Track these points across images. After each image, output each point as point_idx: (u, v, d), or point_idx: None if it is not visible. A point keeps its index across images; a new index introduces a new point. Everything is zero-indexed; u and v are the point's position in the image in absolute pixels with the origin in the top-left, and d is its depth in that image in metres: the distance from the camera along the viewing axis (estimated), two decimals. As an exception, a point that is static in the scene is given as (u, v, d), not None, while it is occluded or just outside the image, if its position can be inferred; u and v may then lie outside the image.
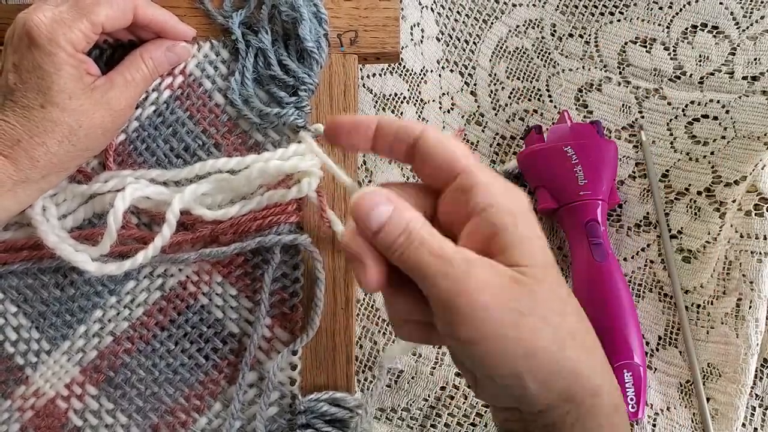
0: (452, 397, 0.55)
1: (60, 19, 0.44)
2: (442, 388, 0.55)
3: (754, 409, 0.53)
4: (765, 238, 0.52)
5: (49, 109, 0.44)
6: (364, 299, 0.57)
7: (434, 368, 0.55)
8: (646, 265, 0.56)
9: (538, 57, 0.61)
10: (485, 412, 0.55)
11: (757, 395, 0.53)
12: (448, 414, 0.55)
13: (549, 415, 0.33)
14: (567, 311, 0.33)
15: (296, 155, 0.49)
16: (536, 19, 0.61)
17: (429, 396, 0.55)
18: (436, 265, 0.32)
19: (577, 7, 0.60)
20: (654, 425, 0.53)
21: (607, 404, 0.34)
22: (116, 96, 0.47)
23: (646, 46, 0.59)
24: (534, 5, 0.61)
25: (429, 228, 0.33)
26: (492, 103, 0.61)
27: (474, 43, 0.61)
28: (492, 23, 0.61)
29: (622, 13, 0.60)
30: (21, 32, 0.44)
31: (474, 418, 0.55)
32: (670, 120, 0.58)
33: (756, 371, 0.52)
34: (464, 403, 0.55)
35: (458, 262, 0.32)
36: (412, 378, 0.55)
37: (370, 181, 0.58)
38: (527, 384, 0.32)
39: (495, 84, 0.61)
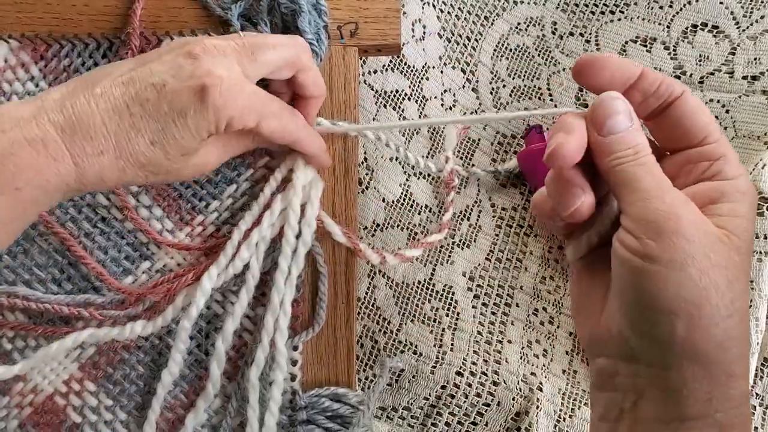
0: (453, 396, 0.54)
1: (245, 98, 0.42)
2: (443, 387, 0.55)
3: (754, 408, 0.52)
4: (765, 238, 0.52)
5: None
6: (365, 298, 0.57)
7: (435, 367, 0.55)
8: (646, 264, 0.56)
9: (539, 55, 0.61)
10: (486, 411, 0.54)
11: (757, 394, 0.52)
12: (448, 413, 0.55)
13: (676, 377, 0.32)
14: (740, 293, 0.33)
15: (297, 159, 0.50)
16: (537, 17, 0.61)
17: (430, 395, 0.55)
18: (655, 188, 0.33)
19: (577, 5, 0.60)
20: (654, 424, 0.53)
21: (740, 393, 0.33)
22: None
23: (646, 46, 0.59)
24: (535, 3, 0.61)
25: (654, 158, 0.35)
26: (493, 100, 0.61)
27: (476, 40, 0.61)
28: (493, 20, 0.61)
29: (622, 12, 0.60)
30: (196, 82, 0.40)
31: (475, 417, 0.54)
32: (671, 119, 0.58)
33: (756, 370, 0.52)
34: (465, 401, 0.54)
35: (677, 195, 0.33)
36: (413, 377, 0.55)
37: (371, 180, 0.58)
38: (677, 330, 0.32)
39: (496, 82, 0.61)
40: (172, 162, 0.41)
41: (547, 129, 0.58)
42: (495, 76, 0.61)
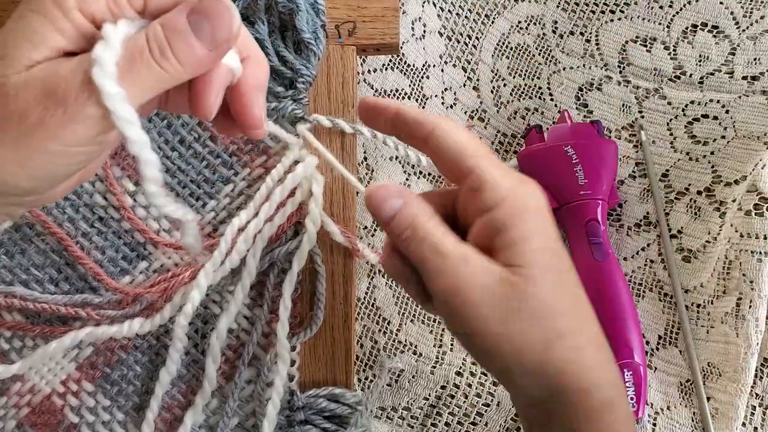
0: (453, 396, 0.54)
1: None
2: (443, 387, 0.55)
3: (754, 408, 0.52)
4: (765, 238, 0.52)
5: None
6: (364, 298, 0.56)
7: (435, 367, 0.55)
8: (646, 265, 0.56)
9: (539, 54, 0.61)
10: (485, 411, 0.54)
11: (757, 394, 0.52)
12: (448, 413, 0.54)
13: (541, 407, 0.35)
14: (559, 313, 0.34)
15: (296, 159, 0.50)
16: (538, 16, 0.61)
17: (430, 395, 0.55)
18: (434, 261, 0.33)
19: (578, 4, 0.60)
20: (654, 424, 0.53)
21: (597, 401, 0.34)
22: None
23: (646, 45, 0.59)
24: (536, 1, 0.61)
25: (435, 221, 0.35)
26: (494, 99, 0.61)
27: (477, 38, 0.61)
28: (494, 19, 0.61)
29: (622, 12, 0.60)
30: None
31: (475, 418, 0.54)
32: (670, 120, 0.58)
33: (756, 371, 0.52)
34: (465, 402, 0.54)
35: (454, 258, 0.33)
36: (413, 377, 0.55)
37: (371, 179, 0.58)
38: (516, 379, 0.34)
39: (497, 80, 0.61)
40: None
41: (547, 129, 0.58)
42: (496, 74, 0.61)
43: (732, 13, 0.58)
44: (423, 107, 0.60)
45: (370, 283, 0.57)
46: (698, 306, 0.54)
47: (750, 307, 0.51)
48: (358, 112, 0.39)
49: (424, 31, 0.61)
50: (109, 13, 0.29)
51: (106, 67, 0.27)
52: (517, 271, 0.33)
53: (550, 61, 0.61)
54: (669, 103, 0.58)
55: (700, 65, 0.58)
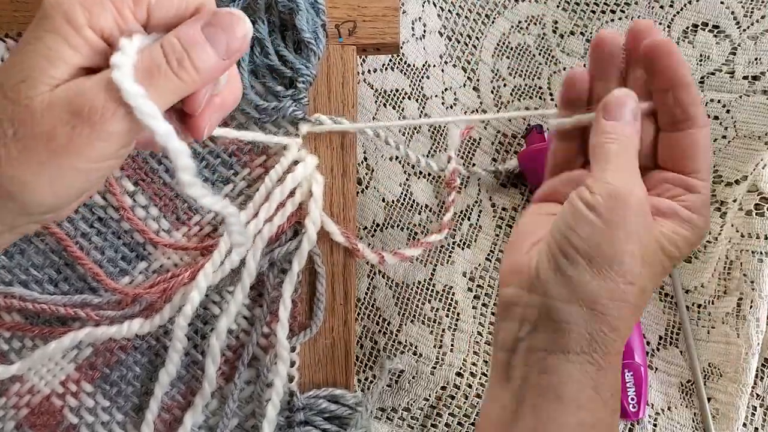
0: (453, 397, 0.54)
1: None
2: (443, 388, 0.54)
3: (755, 408, 0.52)
4: (766, 238, 0.52)
5: None
6: (364, 298, 0.56)
7: (435, 368, 0.55)
8: (646, 265, 0.56)
9: (540, 54, 0.61)
10: (485, 411, 0.54)
11: (758, 395, 0.52)
12: (448, 414, 0.54)
13: (565, 312, 0.35)
14: (652, 280, 0.37)
15: (296, 159, 0.50)
16: (538, 16, 0.61)
17: (430, 396, 0.55)
18: (626, 167, 0.36)
19: (578, 4, 0.60)
20: (655, 425, 0.53)
21: (618, 345, 0.35)
22: None
23: (647, 45, 0.59)
24: (536, 1, 0.61)
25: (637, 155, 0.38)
26: (494, 99, 0.61)
27: (477, 38, 0.61)
28: (494, 19, 0.61)
29: (623, 12, 0.59)
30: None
31: (475, 418, 0.54)
32: (671, 119, 0.58)
33: (757, 371, 0.52)
34: (465, 402, 0.54)
35: (642, 185, 0.36)
36: (413, 378, 0.55)
37: (371, 179, 0.58)
38: (585, 274, 0.34)
39: (497, 80, 0.61)
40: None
41: (548, 129, 0.58)
42: (496, 74, 0.61)
43: (733, 12, 0.58)
44: (423, 107, 0.60)
45: (370, 284, 0.57)
46: (699, 306, 0.54)
47: (751, 307, 0.51)
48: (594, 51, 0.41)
49: (424, 31, 0.60)
50: (117, 28, 0.30)
51: (125, 69, 0.29)
52: (661, 243, 0.36)
53: (551, 61, 0.60)
54: (670, 103, 0.58)
55: (700, 65, 0.58)
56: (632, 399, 0.51)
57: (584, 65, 0.60)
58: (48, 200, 0.30)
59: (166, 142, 0.29)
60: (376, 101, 0.59)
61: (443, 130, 0.59)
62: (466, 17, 0.61)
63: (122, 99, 0.28)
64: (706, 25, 0.58)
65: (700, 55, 0.58)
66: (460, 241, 0.58)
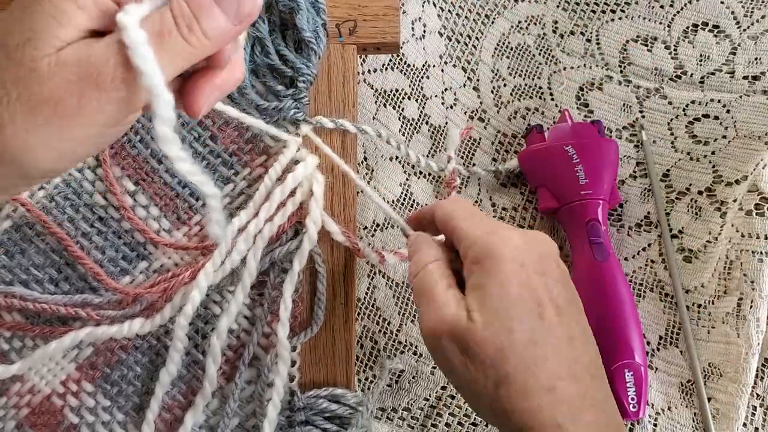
0: (453, 397, 0.54)
1: None
2: (443, 388, 0.54)
3: (755, 408, 0.52)
4: (766, 238, 0.52)
5: None
6: (364, 298, 0.56)
7: (435, 368, 0.55)
8: (647, 265, 0.56)
9: (539, 54, 0.61)
10: (486, 411, 0.54)
11: (758, 395, 0.52)
12: (449, 414, 0.54)
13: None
14: (504, 358, 0.35)
15: (296, 158, 0.50)
16: (538, 16, 0.61)
17: (430, 396, 0.55)
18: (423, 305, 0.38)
19: (578, 4, 0.60)
20: (655, 425, 0.53)
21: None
22: None
23: (647, 45, 0.59)
24: (536, 1, 0.61)
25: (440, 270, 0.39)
26: (494, 99, 0.61)
27: (477, 38, 0.61)
28: (494, 19, 0.61)
29: (623, 11, 0.59)
30: None
31: (475, 418, 0.54)
32: (671, 119, 0.58)
33: (757, 371, 0.52)
34: (465, 402, 0.54)
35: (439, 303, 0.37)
36: (413, 378, 0.55)
37: (371, 179, 0.58)
38: (484, 418, 0.38)
39: (497, 80, 0.61)
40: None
41: (548, 128, 0.58)
42: (496, 74, 0.61)
43: (733, 12, 0.58)
44: (423, 107, 0.60)
45: (370, 284, 0.57)
46: (699, 306, 0.54)
47: (751, 307, 0.51)
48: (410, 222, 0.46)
49: (424, 31, 0.60)
50: None
51: (137, 33, 0.27)
52: (471, 314, 0.35)
53: (551, 60, 0.60)
54: (670, 103, 0.58)
55: (700, 65, 0.58)
56: (632, 399, 0.51)
57: (584, 65, 0.60)
58: (51, 165, 0.29)
59: (151, 84, 0.28)
60: (376, 101, 0.59)
61: (443, 130, 0.59)
62: (466, 17, 0.61)
63: (134, 64, 0.27)
64: (706, 25, 0.58)
65: (700, 55, 0.58)
66: (461, 240, 0.58)
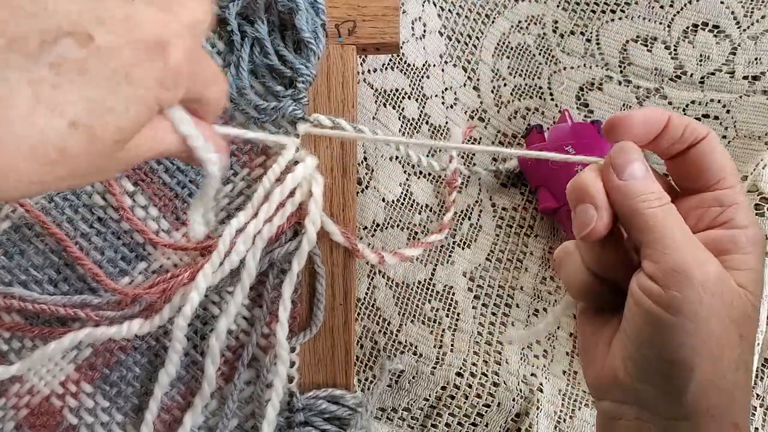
0: (453, 397, 0.54)
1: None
2: (443, 388, 0.54)
3: (755, 409, 0.52)
4: (766, 238, 0.52)
5: None
6: (364, 298, 0.56)
7: (435, 368, 0.54)
8: (646, 265, 0.56)
9: (540, 54, 0.61)
10: (486, 412, 0.54)
11: (758, 395, 0.52)
12: (449, 414, 0.54)
13: (685, 428, 0.32)
14: (750, 348, 0.33)
15: (295, 159, 0.50)
16: (538, 15, 0.61)
17: (430, 396, 0.55)
18: (681, 237, 0.32)
19: (578, 3, 0.60)
20: (655, 425, 0.53)
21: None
22: None
23: (647, 45, 0.59)
24: (536, 1, 0.61)
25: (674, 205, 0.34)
26: (494, 99, 0.61)
27: (477, 38, 0.61)
28: (494, 18, 0.61)
29: (623, 11, 0.59)
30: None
31: (475, 418, 0.54)
32: (671, 119, 0.58)
33: (757, 371, 0.52)
34: (465, 402, 0.54)
35: (701, 246, 0.32)
36: (413, 378, 0.55)
37: (371, 179, 0.58)
38: (690, 384, 0.31)
39: (498, 80, 0.61)
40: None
41: (548, 128, 0.58)
42: (496, 74, 0.61)
43: (733, 12, 0.58)
44: (423, 107, 0.60)
45: (370, 284, 0.56)
46: (699, 306, 0.54)
47: (751, 307, 0.51)
48: (613, 132, 0.36)
49: (424, 31, 0.60)
50: None
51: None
52: (746, 293, 0.32)
53: (551, 60, 0.60)
54: (670, 103, 0.58)
55: (700, 65, 0.58)
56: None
57: (584, 65, 0.60)
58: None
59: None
60: (376, 101, 0.59)
61: (444, 131, 0.59)
62: (466, 17, 0.61)
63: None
64: (706, 25, 0.58)
65: (700, 55, 0.58)
66: (461, 241, 0.58)
